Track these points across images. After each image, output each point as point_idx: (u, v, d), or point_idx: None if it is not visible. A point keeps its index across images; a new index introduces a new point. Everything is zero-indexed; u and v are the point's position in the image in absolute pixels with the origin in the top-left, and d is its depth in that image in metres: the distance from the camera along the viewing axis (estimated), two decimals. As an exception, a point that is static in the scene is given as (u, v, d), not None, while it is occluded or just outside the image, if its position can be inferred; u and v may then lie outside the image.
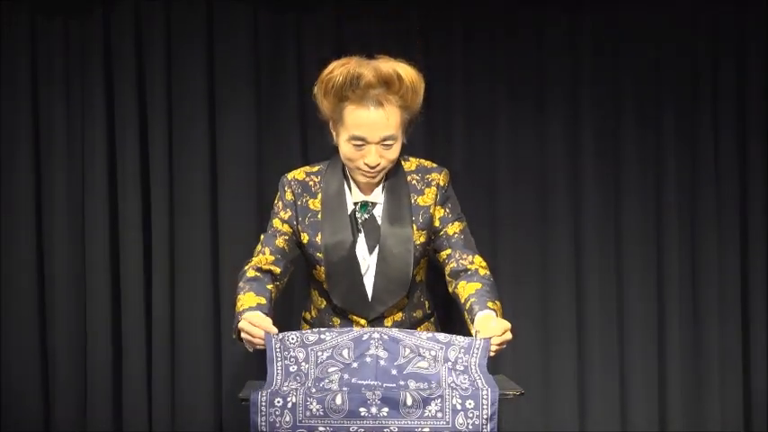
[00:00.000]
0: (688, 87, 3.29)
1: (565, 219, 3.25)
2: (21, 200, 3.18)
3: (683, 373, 3.29)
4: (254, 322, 2.18)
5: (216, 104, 3.19)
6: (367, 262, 2.42)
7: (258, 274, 2.38)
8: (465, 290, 2.34)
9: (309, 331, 2.19)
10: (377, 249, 2.41)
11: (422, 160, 2.51)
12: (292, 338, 2.15)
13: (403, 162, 2.46)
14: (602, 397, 3.27)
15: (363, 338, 2.14)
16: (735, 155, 3.30)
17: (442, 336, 2.18)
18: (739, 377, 3.32)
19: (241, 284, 2.36)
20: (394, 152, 2.33)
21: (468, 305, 2.30)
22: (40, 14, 3.16)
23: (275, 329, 2.17)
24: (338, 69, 2.28)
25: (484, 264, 2.43)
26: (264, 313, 2.23)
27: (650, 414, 3.28)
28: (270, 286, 2.36)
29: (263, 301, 2.28)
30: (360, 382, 2.06)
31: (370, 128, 2.28)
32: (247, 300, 2.28)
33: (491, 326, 2.18)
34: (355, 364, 2.09)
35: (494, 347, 2.14)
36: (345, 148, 2.33)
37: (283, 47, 3.19)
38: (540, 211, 3.27)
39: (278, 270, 2.41)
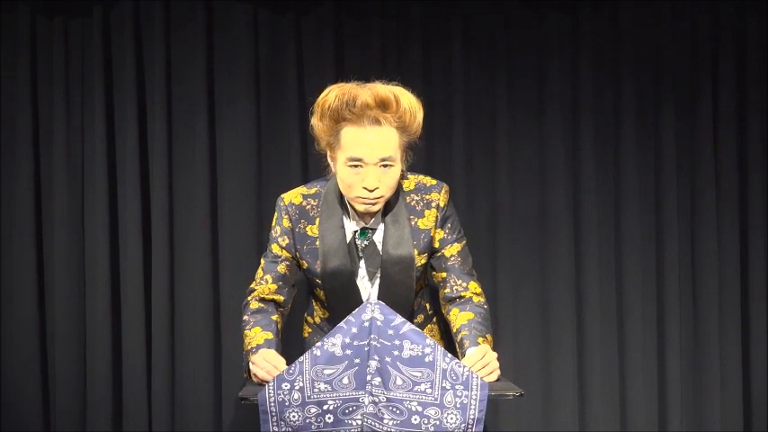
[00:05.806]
0: (688, 87, 3.29)
1: (565, 219, 3.25)
2: (20, 199, 3.18)
3: (682, 373, 3.29)
4: (269, 360, 2.15)
5: (216, 104, 3.20)
6: (368, 290, 2.38)
7: (262, 305, 2.35)
8: (457, 319, 2.30)
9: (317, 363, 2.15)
10: (378, 276, 2.37)
11: (421, 177, 2.42)
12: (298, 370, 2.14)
13: (401, 180, 2.37)
14: (602, 397, 3.26)
15: (361, 306, 2.16)
16: (735, 154, 3.30)
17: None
18: (739, 377, 3.32)
19: (246, 318, 2.33)
20: (392, 177, 2.25)
21: (459, 337, 2.27)
22: (40, 14, 3.17)
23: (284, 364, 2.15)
24: (334, 92, 2.22)
25: (479, 290, 2.38)
26: (273, 348, 2.21)
27: (650, 414, 3.28)
28: (275, 317, 2.33)
29: (271, 335, 2.25)
30: (360, 343, 2.08)
31: (367, 147, 2.19)
32: (255, 336, 2.25)
33: (473, 358, 2.16)
34: (355, 329, 2.10)
35: (481, 374, 2.12)
36: (343, 173, 2.24)
37: (283, 47, 3.19)
38: (540, 211, 3.27)
39: (281, 299, 2.38)
